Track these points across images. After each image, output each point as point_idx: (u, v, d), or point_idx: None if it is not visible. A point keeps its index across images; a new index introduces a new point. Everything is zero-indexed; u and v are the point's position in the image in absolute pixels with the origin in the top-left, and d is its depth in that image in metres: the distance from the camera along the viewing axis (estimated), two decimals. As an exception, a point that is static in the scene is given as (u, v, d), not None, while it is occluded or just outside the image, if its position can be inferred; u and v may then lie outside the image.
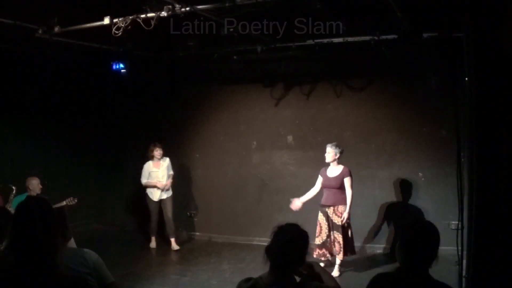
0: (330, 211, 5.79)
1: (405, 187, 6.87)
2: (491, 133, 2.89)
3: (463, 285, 3.56)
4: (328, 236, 5.79)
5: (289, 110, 7.54)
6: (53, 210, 2.02)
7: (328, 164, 5.91)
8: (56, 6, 5.07)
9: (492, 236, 2.86)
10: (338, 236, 5.71)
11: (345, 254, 5.75)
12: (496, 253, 2.83)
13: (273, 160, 7.65)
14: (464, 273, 3.54)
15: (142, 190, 7.39)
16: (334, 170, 5.85)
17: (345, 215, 5.68)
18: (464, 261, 3.54)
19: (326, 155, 5.87)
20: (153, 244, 7.32)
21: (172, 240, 7.24)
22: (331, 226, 5.77)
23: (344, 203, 5.73)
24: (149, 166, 7.17)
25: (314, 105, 7.37)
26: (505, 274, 2.79)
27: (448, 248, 3.70)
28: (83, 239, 5.55)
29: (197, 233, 8.09)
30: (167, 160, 7.26)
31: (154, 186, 7.11)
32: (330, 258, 5.86)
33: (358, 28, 5.66)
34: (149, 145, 7.15)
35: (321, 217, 5.86)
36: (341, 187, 5.75)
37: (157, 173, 7.16)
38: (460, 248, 3.63)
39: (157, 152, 7.10)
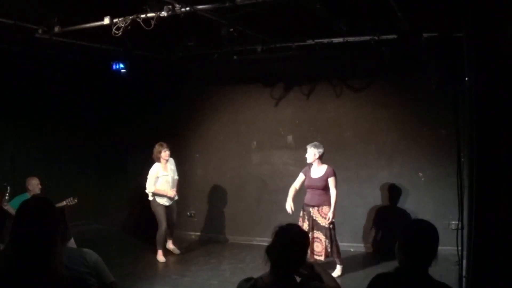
0: (314, 211, 5.72)
1: (405, 187, 6.87)
2: (491, 133, 2.90)
3: (463, 285, 3.55)
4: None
5: (289, 110, 7.54)
6: (54, 211, 2.02)
7: (311, 164, 5.81)
8: (56, 6, 5.06)
9: (492, 236, 2.86)
10: (322, 237, 5.64)
11: (327, 255, 5.66)
12: (496, 253, 2.83)
13: (273, 160, 7.65)
14: (464, 273, 3.54)
15: (143, 192, 7.30)
16: (318, 170, 5.75)
17: (330, 215, 5.59)
18: (464, 261, 3.53)
19: (306, 155, 5.78)
20: (161, 257, 6.62)
21: (170, 241, 7.04)
22: (312, 226, 5.70)
23: (329, 204, 5.64)
24: (157, 170, 6.56)
25: (314, 105, 7.37)
26: (505, 274, 2.79)
27: (448, 248, 3.70)
28: (83, 239, 5.55)
29: (197, 233, 8.09)
30: (173, 162, 6.79)
31: (164, 195, 6.59)
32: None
33: (358, 28, 5.66)
34: (155, 146, 6.59)
35: (302, 215, 5.82)
36: (326, 188, 5.67)
37: (167, 177, 6.61)
38: (460, 248, 3.63)
39: (165, 153, 6.53)
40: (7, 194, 5.75)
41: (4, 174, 6.73)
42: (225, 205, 7.91)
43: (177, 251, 7.02)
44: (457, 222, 3.70)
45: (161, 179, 6.59)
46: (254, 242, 7.45)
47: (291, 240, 2.22)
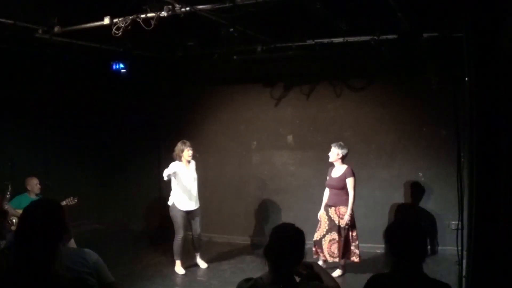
0: (331, 211, 5.75)
1: (405, 187, 6.87)
2: (491, 133, 2.89)
3: (463, 285, 3.55)
4: (324, 235, 5.73)
5: (289, 110, 7.55)
6: (62, 215, 2.02)
7: (333, 164, 5.85)
8: (56, 6, 5.06)
9: (492, 236, 2.86)
10: (337, 237, 5.65)
11: (346, 257, 5.68)
12: (496, 253, 2.83)
13: (273, 160, 7.65)
14: (464, 273, 3.54)
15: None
16: (338, 170, 5.78)
17: (346, 217, 5.60)
18: (464, 261, 3.53)
19: (329, 153, 5.82)
20: (180, 269, 6.11)
21: (198, 255, 6.40)
22: (331, 226, 5.72)
23: (346, 204, 5.64)
24: (177, 165, 5.97)
25: (314, 105, 7.38)
26: (505, 274, 2.79)
27: (448, 248, 3.71)
28: (83, 239, 5.56)
29: (197, 233, 8.09)
30: (194, 163, 6.20)
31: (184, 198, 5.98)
32: (323, 259, 5.75)
33: (358, 28, 5.66)
34: (177, 144, 6.03)
35: (322, 214, 5.84)
36: (343, 188, 5.67)
37: (186, 174, 6.02)
38: (460, 248, 3.63)
39: (188, 152, 5.95)
40: (8, 193, 5.76)
41: (4, 174, 6.73)
42: (225, 205, 7.91)
43: (204, 265, 6.39)
44: (457, 222, 3.70)
45: (181, 174, 5.98)
46: (254, 242, 7.45)
47: (286, 239, 2.23)
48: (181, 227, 6.01)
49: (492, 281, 2.87)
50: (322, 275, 2.33)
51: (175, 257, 6.14)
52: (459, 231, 3.63)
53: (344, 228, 5.64)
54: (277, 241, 2.24)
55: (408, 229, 2.22)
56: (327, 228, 5.75)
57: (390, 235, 2.25)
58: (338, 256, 5.66)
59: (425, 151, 6.77)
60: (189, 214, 6.10)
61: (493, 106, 2.88)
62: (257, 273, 2.31)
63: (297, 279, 2.28)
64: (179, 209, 6.00)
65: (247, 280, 2.27)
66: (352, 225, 5.72)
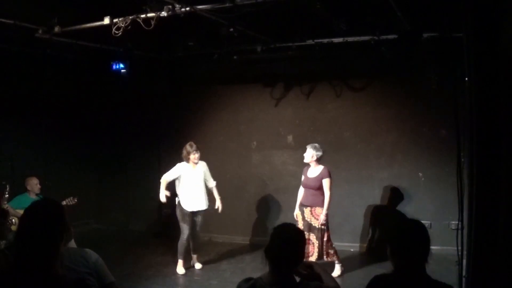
0: (307, 211, 5.71)
1: (405, 187, 6.87)
2: (491, 133, 2.89)
3: (463, 285, 3.55)
4: None
5: (289, 110, 7.55)
6: (63, 216, 2.02)
7: (309, 164, 5.80)
8: (56, 6, 5.07)
9: (492, 236, 2.86)
10: (313, 238, 5.63)
11: (320, 257, 5.61)
12: (496, 253, 2.83)
13: (273, 160, 7.65)
14: (464, 273, 3.54)
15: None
16: (314, 170, 5.73)
17: (322, 217, 5.57)
18: (464, 261, 3.53)
19: (304, 154, 5.77)
20: (181, 269, 6.12)
21: (195, 256, 6.40)
22: (307, 227, 5.67)
23: (322, 205, 5.60)
24: (182, 167, 6.03)
25: (314, 105, 7.38)
26: (505, 274, 2.79)
27: (448, 248, 3.70)
28: (83, 239, 5.55)
29: (197, 233, 8.08)
30: (204, 164, 6.22)
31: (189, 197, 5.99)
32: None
33: (358, 28, 5.66)
34: (185, 146, 6.06)
35: (298, 214, 5.82)
36: (320, 188, 5.64)
37: (193, 175, 6.06)
38: (460, 248, 3.63)
39: (194, 155, 5.98)
40: (6, 193, 5.75)
41: (4, 174, 6.73)
42: (225, 205, 7.87)
43: (199, 265, 6.39)
44: (457, 222, 3.70)
45: (187, 176, 6.03)
46: (254, 242, 7.45)
47: (287, 239, 2.23)
48: (186, 227, 6.00)
49: (492, 281, 2.87)
50: (322, 275, 2.33)
51: (178, 256, 6.14)
52: (459, 231, 3.63)
53: (319, 228, 5.61)
54: (278, 241, 2.24)
55: (411, 230, 2.21)
56: (302, 228, 5.64)
57: (393, 235, 2.24)
58: (314, 255, 5.60)
59: (425, 151, 6.77)
60: (194, 215, 6.10)
61: (493, 106, 2.88)
62: (257, 273, 2.31)
63: (297, 279, 2.28)
64: (184, 209, 6.01)
65: (247, 280, 2.27)
66: (326, 225, 5.67)
